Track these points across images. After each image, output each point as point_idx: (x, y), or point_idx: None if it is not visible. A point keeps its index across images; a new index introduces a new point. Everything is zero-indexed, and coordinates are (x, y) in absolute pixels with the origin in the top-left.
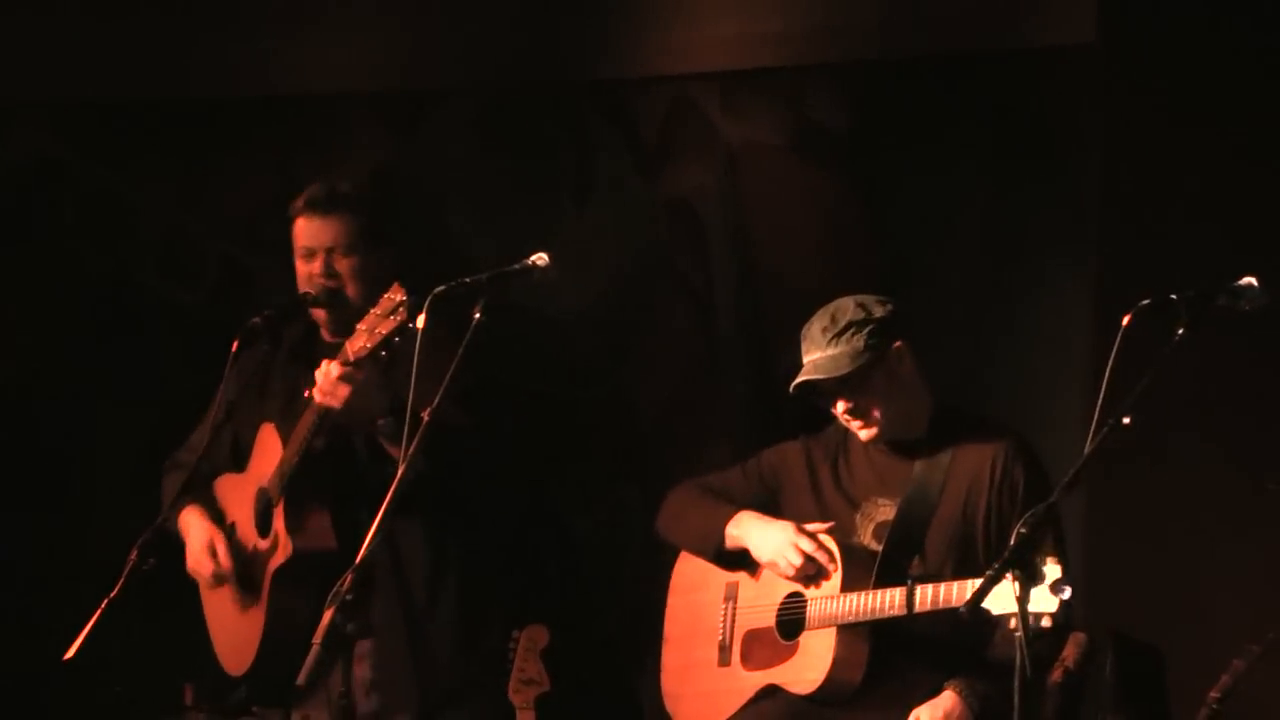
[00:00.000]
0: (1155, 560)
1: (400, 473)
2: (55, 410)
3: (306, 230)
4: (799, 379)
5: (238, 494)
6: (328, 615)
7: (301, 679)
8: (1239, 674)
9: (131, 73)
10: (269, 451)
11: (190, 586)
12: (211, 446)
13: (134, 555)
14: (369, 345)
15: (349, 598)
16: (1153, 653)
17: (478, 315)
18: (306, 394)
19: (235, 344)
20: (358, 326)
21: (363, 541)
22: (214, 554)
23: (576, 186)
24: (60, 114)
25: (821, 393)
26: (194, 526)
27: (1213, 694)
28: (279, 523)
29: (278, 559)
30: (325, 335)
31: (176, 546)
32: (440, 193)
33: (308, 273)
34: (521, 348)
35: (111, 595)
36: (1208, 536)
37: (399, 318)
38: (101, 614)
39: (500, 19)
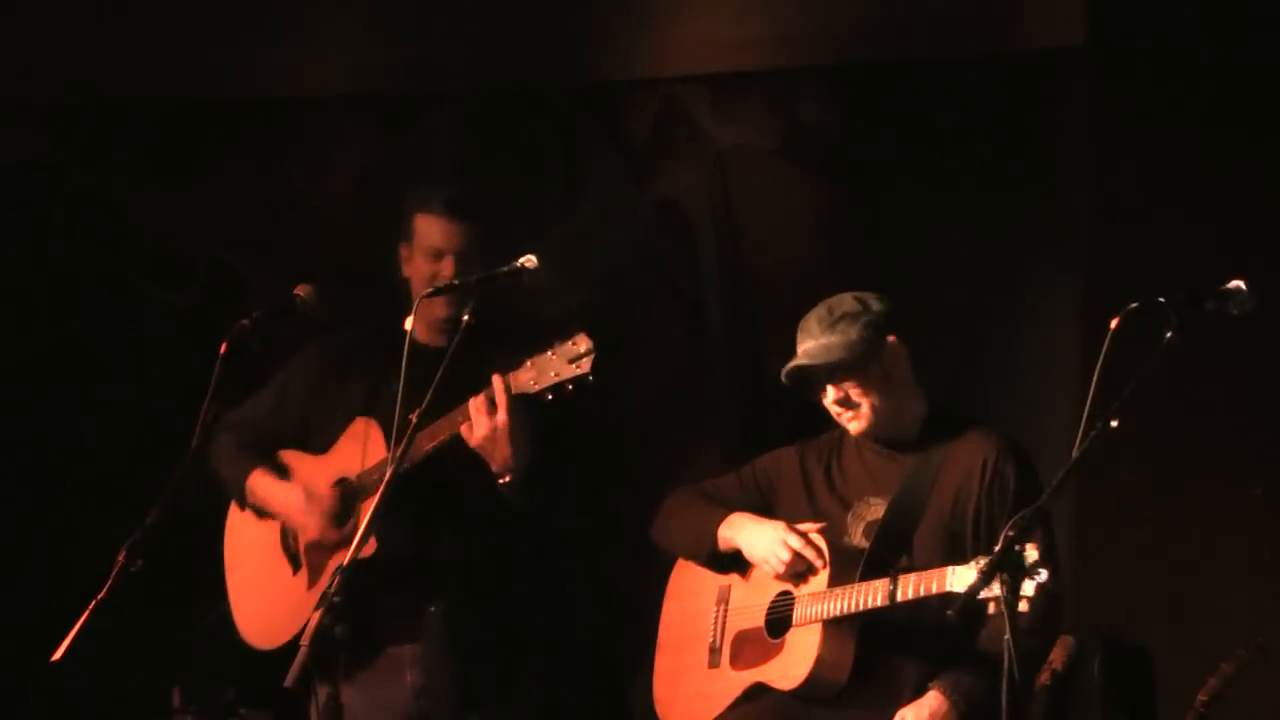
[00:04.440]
0: (1143, 564)
1: (389, 474)
2: (44, 411)
3: (440, 230)
4: (791, 364)
5: (312, 473)
6: (316, 617)
7: (290, 680)
8: (1227, 677)
9: (122, 75)
10: (362, 445)
11: (184, 583)
12: (270, 422)
13: (122, 556)
14: (538, 384)
15: (337, 599)
16: (1140, 655)
17: (466, 318)
18: (462, 427)
19: (224, 346)
20: (527, 361)
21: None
22: (317, 502)
23: (566, 189)
24: (50, 116)
25: (812, 382)
26: (278, 487)
27: (1200, 697)
28: (365, 520)
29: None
30: (421, 335)
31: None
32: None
33: (432, 273)
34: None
35: (100, 596)
36: (1196, 540)
37: (581, 369)
38: (89, 615)
39: (490, 21)
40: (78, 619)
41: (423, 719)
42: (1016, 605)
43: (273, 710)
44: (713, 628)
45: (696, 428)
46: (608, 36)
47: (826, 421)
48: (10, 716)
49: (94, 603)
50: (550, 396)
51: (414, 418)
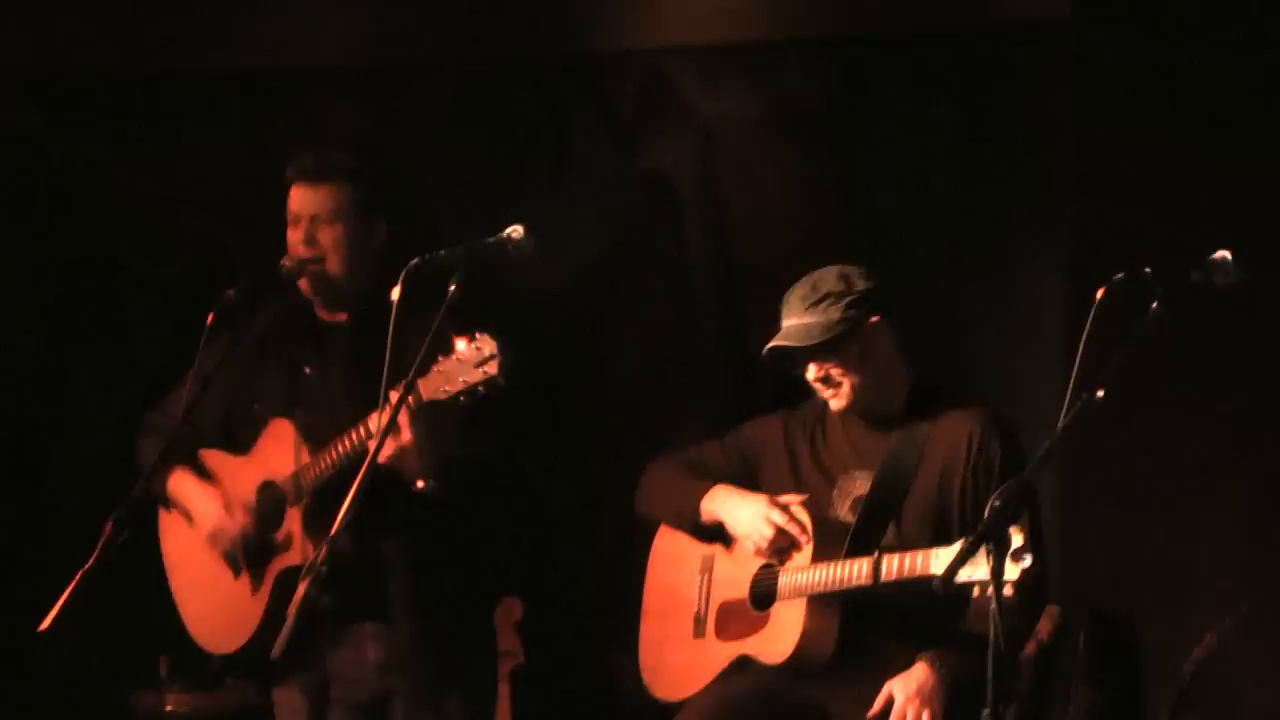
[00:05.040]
0: (1129, 534)
1: (373, 453)
2: (29, 384)
3: (295, 197)
4: (771, 344)
5: (236, 475)
6: (302, 588)
7: (277, 651)
8: (1213, 647)
9: (107, 46)
10: (283, 448)
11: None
12: (188, 420)
13: (109, 528)
14: (448, 390)
15: (323, 569)
16: (1126, 626)
17: (453, 288)
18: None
19: (210, 318)
20: (435, 368)
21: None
22: (235, 512)
23: (552, 161)
24: (33, 87)
25: (793, 359)
26: (198, 491)
27: (1187, 666)
28: (296, 526)
29: (292, 560)
30: (320, 312)
31: (154, 512)
32: (415, 167)
33: (295, 240)
34: (497, 320)
35: (86, 567)
36: (1182, 510)
37: (488, 371)
38: (76, 586)
39: None
40: (65, 590)
41: (387, 695)
42: (1002, 577)
43: (259, 680)
44: (697, 597)
45: (682, 397)
46: (593, 8)
47: (811, 391)
48: None
49: (81, 573)
50: (463, 398)
51: (393, 395)
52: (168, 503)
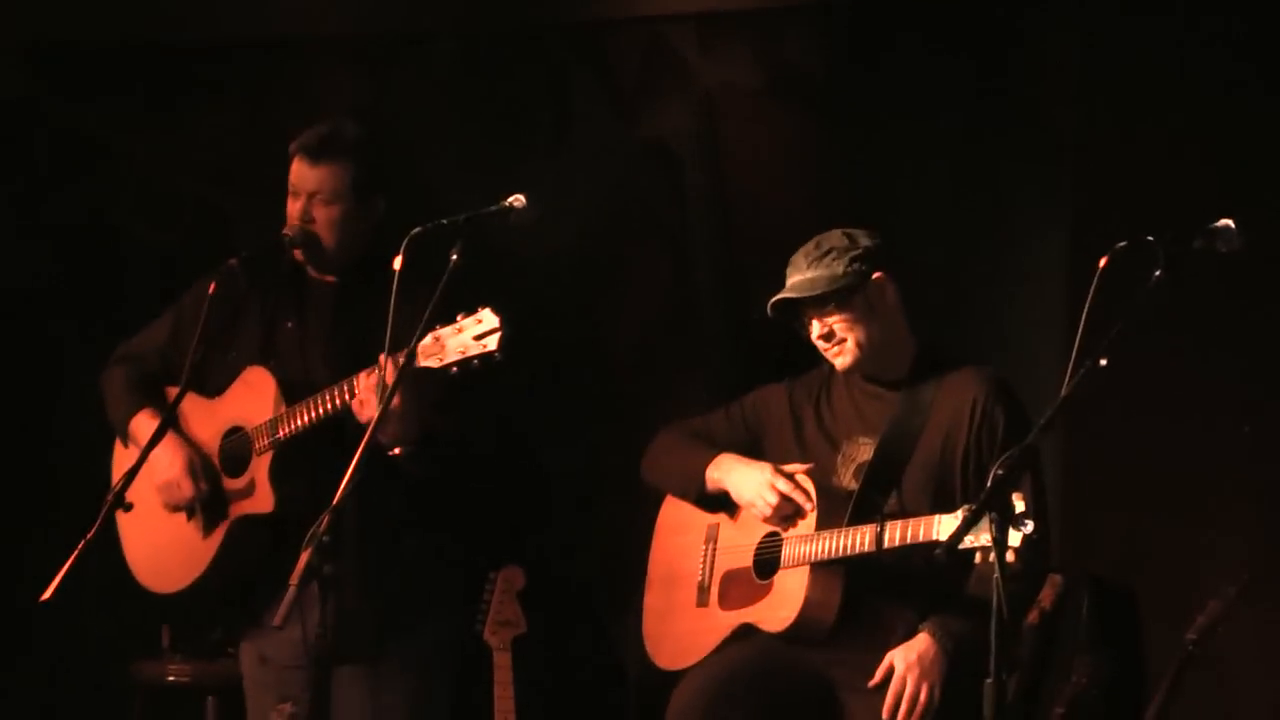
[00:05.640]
0: (1131, 503)
1: (374, 423)
2: (27, 353)
3: (296, 172)
4: (776, 297)
5: (203, 417)
6: (305, 556)
7: (279, 620)
8: (1214, 616)
9: (106, 15)
10: (258, 396)
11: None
12: (189, 381)
13: (110, 497)
14: (442, 360)
15: (326, 539)
16: (1127, 594)
17: (455, 256)
18: (352, 403)
19: (212, 286)
20: (435, 333)
21: (337, 495)
22: (194, 475)
23: (553, 129)
24: (34, 56)
25: (798, 315)
26: (164, 444)
27: (1188, 635)
28: (261, 473)
29: (252, 507)
30: (311, 272)
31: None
32: (416, 135)
33: (295, 210)
34: (496, 288)
35: (88, 537)
36: (1184, 479)
37: (487, 345)
38: (78, 556)
39: None
40: (66, 559)
41: (329, 654)
42: (1005, 544)
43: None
44: (701, 566)
45: (684, 365)
46: None
47: (815, 359)
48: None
49: (82, 543)
50: (455, 369)
51: (400, 358)
52: (126, 439)
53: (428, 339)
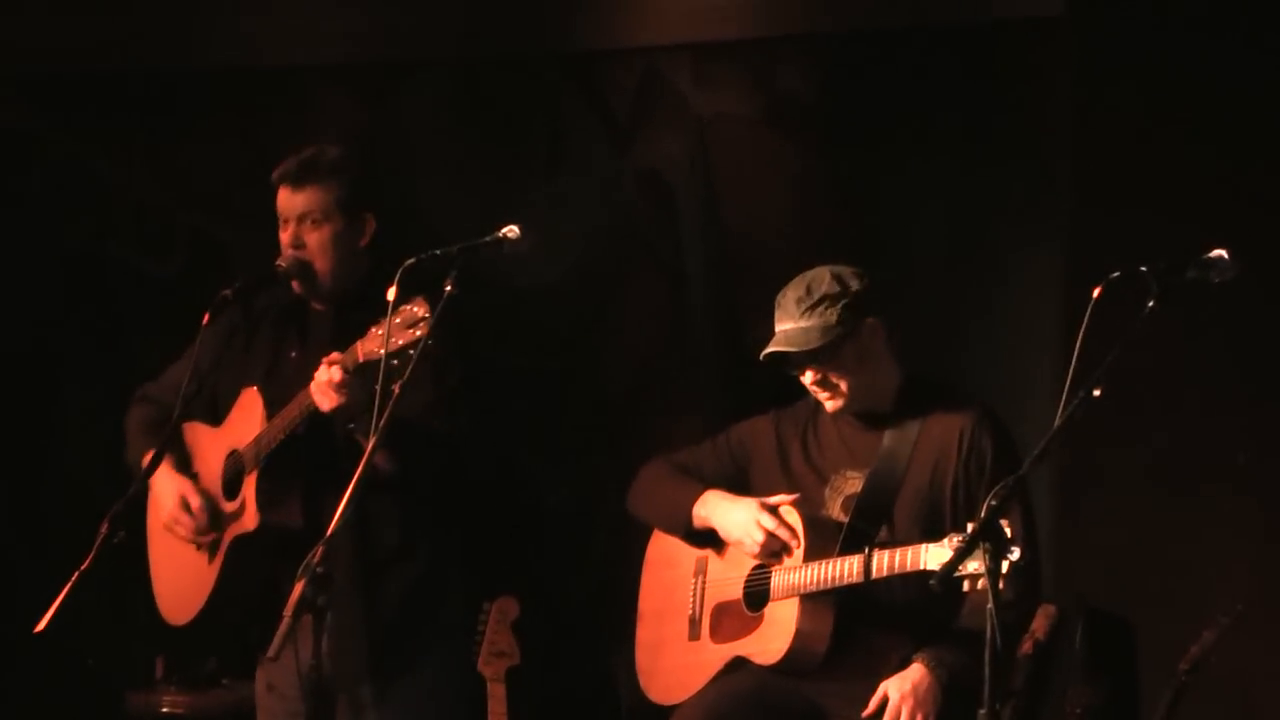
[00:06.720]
0: (1125, 532)
1: (370, 447)
2: (23, 381)
3: (282, 200)
4: (769, 349)
5: (208, 447)
6: (299, 587)
7: (273, 651)
8: (1208, 645)
9: (102, 44)
10: (249, 417)
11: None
12: (186, 412)
13: (105, 527)
14: (380, 351)
15: (320, 570)
16: (1122, 624)
17: (449, 287)
18: (308, 396)
19: (206, 316)
20: (371, 330)
21: (331, 517)
22: (188, 508)
23: (547, 158)
24: (29, 85)
25: (791, 363)
26: (162, 476)
27: (1182, 665)
28: (249, 492)
29: (242, 527)
30: (313, 304)
31: (133, 482)
32: (411, 164)
33: (285, 241)
34: (491, 319)
35: (83, 567)
36: (1178, 509)
37: (419, 332)
38: (73, 586)
39: None
40: (61, 590)
41: (326, 683)
42: (999, 573)
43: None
44: (691, 599)
45: (677, 394)
46: (589, 5)
47: (805, 389)
48: None
49: (77, 574)
50: (395, 361)
51: (396, 389)
52: (145, 481)
53: (371, 332)
